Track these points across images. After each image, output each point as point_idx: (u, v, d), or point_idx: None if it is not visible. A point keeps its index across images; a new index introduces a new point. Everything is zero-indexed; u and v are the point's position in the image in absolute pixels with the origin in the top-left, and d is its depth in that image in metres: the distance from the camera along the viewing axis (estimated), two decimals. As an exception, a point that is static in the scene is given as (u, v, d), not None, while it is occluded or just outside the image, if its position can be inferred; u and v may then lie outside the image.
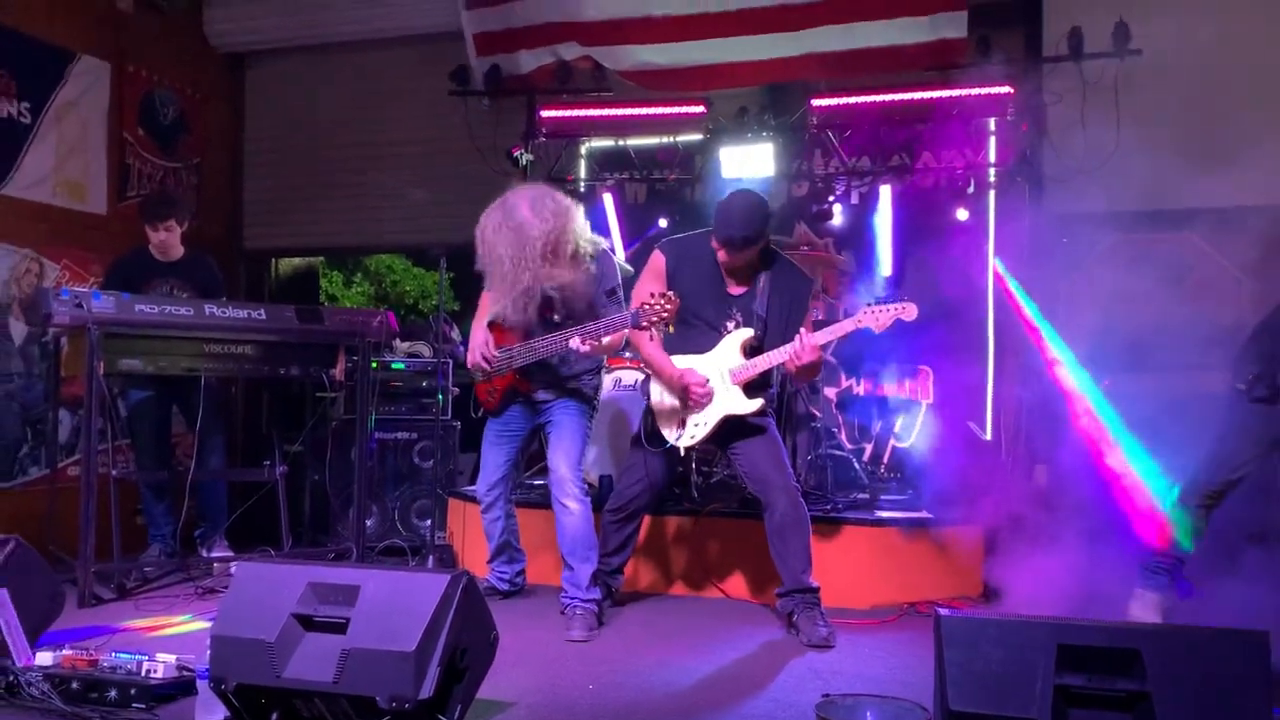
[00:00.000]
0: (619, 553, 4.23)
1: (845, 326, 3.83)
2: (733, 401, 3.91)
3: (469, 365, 4.32)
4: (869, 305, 3.80)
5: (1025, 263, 5.62)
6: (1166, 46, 5.26)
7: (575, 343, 3.87)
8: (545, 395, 4.21)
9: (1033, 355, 5.35)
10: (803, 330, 3.80)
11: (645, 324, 3.76)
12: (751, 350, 3.93)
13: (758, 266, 4.00)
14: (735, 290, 4.00)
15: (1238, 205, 5.03)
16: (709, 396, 3.90)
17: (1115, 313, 4.96)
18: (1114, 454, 4.60)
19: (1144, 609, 3.82)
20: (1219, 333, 4.71)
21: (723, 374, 3.92)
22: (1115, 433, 4.69)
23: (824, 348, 3.98)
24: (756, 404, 3.90)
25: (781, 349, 3.84)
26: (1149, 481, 4.31)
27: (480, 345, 4.21)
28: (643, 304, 3.77)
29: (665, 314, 3.73)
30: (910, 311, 3.76)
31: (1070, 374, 5.03)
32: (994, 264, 5.77)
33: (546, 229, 3.86)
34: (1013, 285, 5.52)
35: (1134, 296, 5.01)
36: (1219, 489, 3.83)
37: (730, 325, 3.98)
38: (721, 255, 3.91)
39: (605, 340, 3.99)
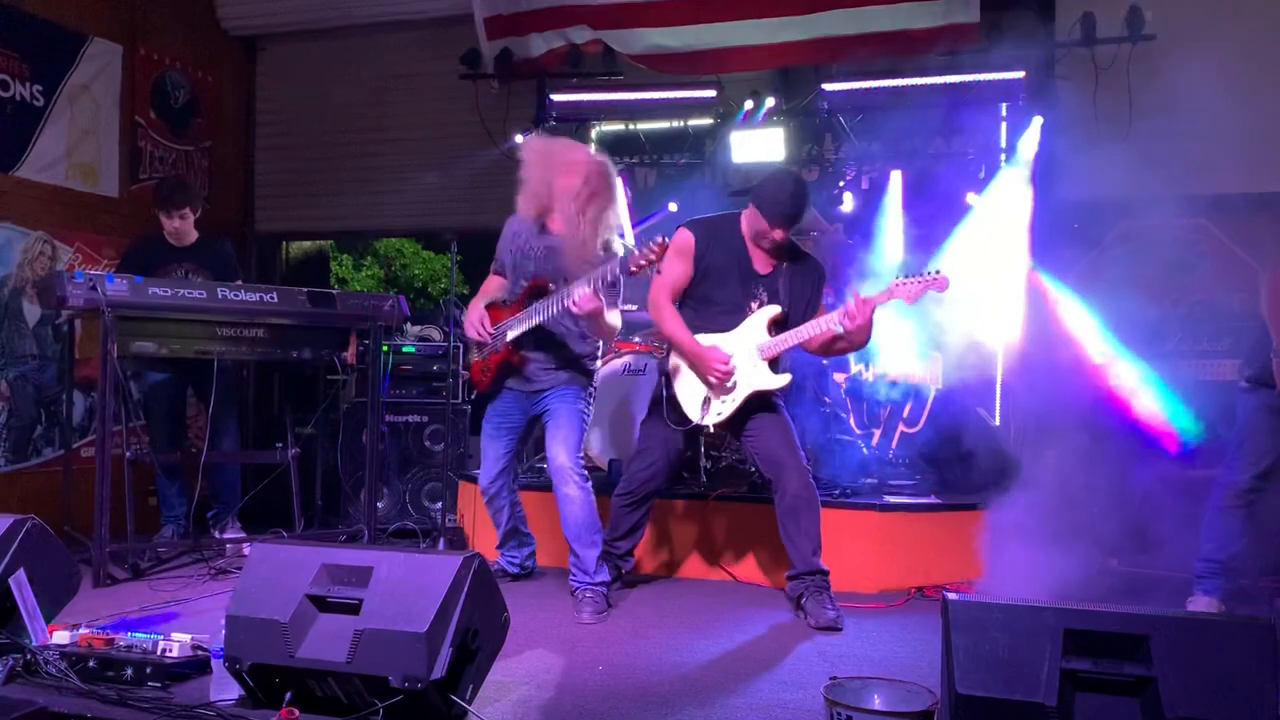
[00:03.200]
0: (629, 536, 4.25)
1: (879, 299, 3.78)
2: (760, 377, 3.92)
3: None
4: (901, 278, 3.78)
5: (1035, 249, 5.60)
6: (1179, 31, 5.23)
7: (578, 294, 3.76)
8: (540, 380, 4.17)
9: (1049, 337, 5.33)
10: (855, 292, 3.81)
11: (634, 268, 3.70)
12: (777, 326, 3.94)
13: (783, 248, 4.02)
14: (762, 270, 4.01)
15: (1251, 191, 5.02)
16: (731, 375, 3.91)
17: (1126, 299, 4.95)
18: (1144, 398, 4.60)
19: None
20: (1231, 320, 4.71)
21: (750, 350, 3.93)
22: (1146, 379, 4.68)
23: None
24: (784, 379, 3.92)
25: (824, 318, 3.85)
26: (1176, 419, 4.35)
27: (475, 321, 4.20)
28: (630, 251, 3.78)
29: (653, 255, 3.69)
30: (942, 283, 3.74)
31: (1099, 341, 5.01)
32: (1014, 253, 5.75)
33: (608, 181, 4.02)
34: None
35: (1145, 282, 5.01)
36: (1250, 485, 3.89)
37: (755, 304, 3.99)
38: (778, 234, 3.88)
39: (608, 318, 3.95)
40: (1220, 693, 2.17)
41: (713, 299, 4.02)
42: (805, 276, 4.03)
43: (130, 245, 5.44)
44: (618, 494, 4.23)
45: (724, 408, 3.95)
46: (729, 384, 3.92)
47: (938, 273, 3.75)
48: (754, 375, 3.93)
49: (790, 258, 4.03)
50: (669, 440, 4.09)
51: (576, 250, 3.95)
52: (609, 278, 3.77)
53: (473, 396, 4.47)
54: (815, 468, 5.07)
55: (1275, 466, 3.88)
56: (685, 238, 4.02)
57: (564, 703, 2.90)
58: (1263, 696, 2.16)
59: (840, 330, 3.82)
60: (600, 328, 4.04)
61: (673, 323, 4.01)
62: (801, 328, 3.89)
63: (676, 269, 4.00)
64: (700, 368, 3.95)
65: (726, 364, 3.89)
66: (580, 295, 3.77)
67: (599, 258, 3.94)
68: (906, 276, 3.77)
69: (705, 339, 3.97)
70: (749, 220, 3.97)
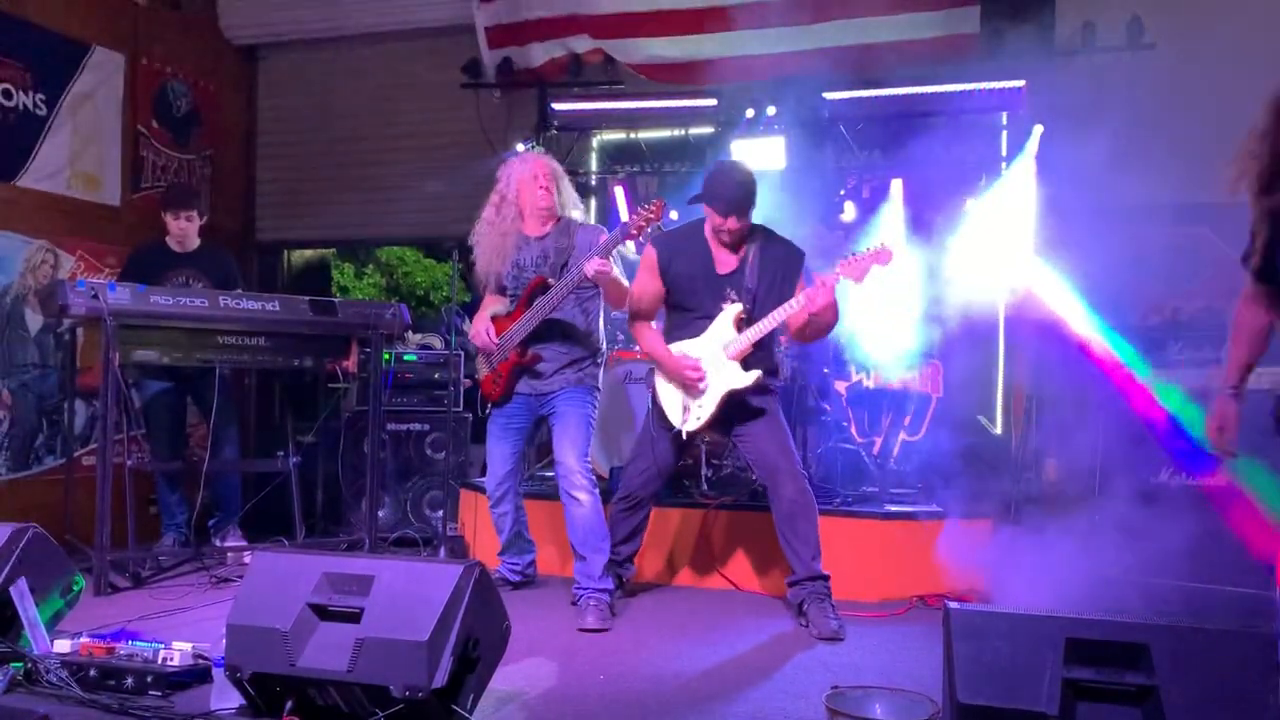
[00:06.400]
0: (629, 541, 4.26)
1: (829, 279, 3.75)
2: (730, 377, 3.92)
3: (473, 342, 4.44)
4: (845, 257, 3.77)
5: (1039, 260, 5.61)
6: (1180, 40, 5.25)
7: (590, 266, 3.90)
8: (549, 381, 4.23)
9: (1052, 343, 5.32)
10: (816, 275, 3.79)
11: (635, 231, 3.88)
12: (743, 324, 3.95)
13: (746, 242, 4.02)
14: (724, 270, 4.03)
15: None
16: (702, 378, 3.94)
17: (1126, 307, 4.95)
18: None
19: None
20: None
21: (716, 351, 3.95)
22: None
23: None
24: (753, 375, 3.90)
25: (782, 308, 3.84)
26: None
27: (482, 330, 4.33)
28: (629, 217, 3.88)
29: (650, 217, 3.84)
30: (885, 255, 3.72)
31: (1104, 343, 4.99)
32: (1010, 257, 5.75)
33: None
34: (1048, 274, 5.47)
35: (1146, 291, 5.00)
36: None
37: (725, 305, 4.01)
38: (732, 223, 3.90)
39: (621, 277, 4.08)
40: (1222, 703, 2.17)
41: (686, 307, 4.08)
42: (773, 263, 3.99)
43: (132, 252, 5.47)
44: (616, 499, 4.27)
45: (700, 411, 3.98)
46: (701, 387, 3.95)
47: (881, 245, 3.74)
48: (724, 376, 3.94)
49: (761, 249, 4.01)
50: (659, 446, 4.13)
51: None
52: (613, 244, 3.96)
53: (486, 410, 4.48)
54: (816, 476, 5.08)
55: None
56: (649, 254, 4.12)
57: (565, 712, 2.90)
58: (1265, 707, 2.16)
59: (803, 313, 3.80)
60: (615, 292, 4.15)
61: (645, 335, 4.13)
62: (761, 322, 3.88)
63: (646, 284, 4.12)
64: (673, 375, 4.02)
65: (695, 369, 3.94)
66: (590, 264, 3.91)
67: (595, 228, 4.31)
68: (852, 254, 3.76)
69: (680, 346, 4.03)
70: (708, 220, 4.02)
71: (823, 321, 3.88)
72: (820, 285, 3.74)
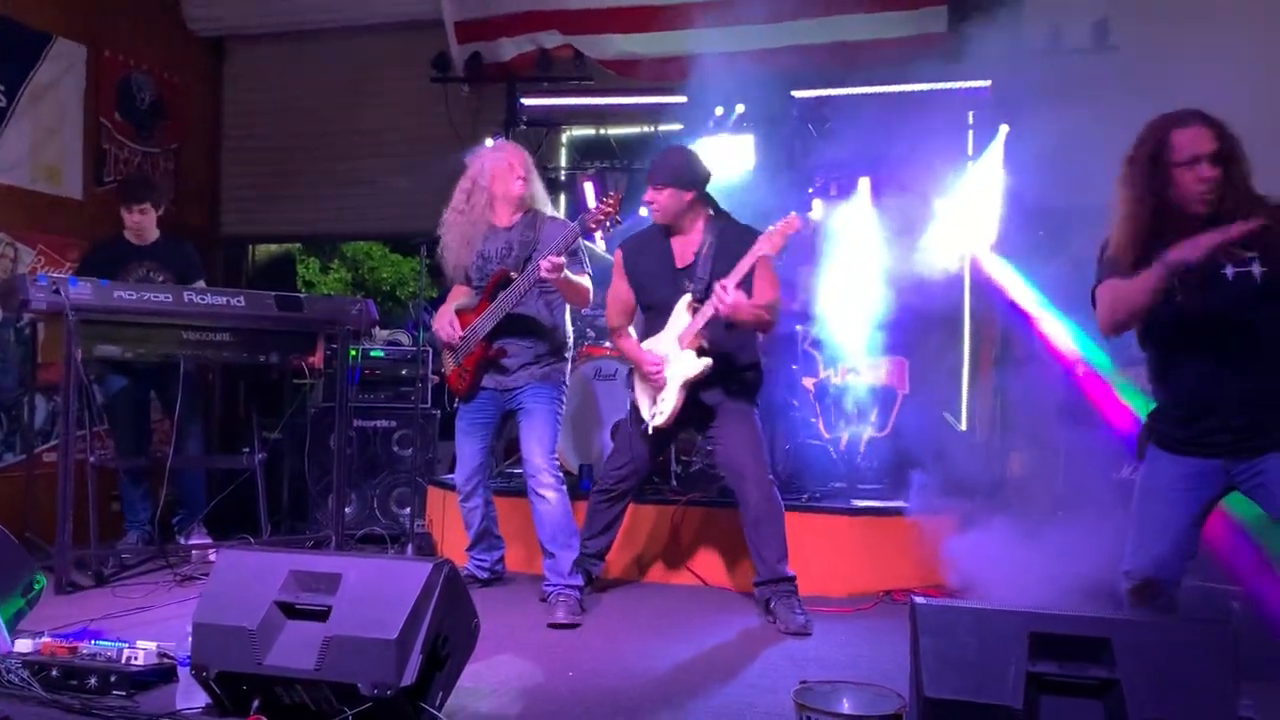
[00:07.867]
0: (603, 535, 4.24)
1: (745, 262, 3.75)
2: (684, 367, 3.92)
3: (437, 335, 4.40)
4: (760, 236, 3.77)
5: (1001, 257, 5.67)
6: (1144, 43, 5.31)
7: (544, 265, 3.87)
8: (515, 375, 4.23)
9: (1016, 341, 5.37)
10: (719, 282, 3.77)
11: (593, 225, 3.90)
12: (695, 312, 3.96)
13: (705, 232, 4.02)
14: (683, 264, 4.04)
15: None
16: (659, 370, 3.94)
17: (1091, 305, 5.00)
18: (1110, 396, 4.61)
19: None
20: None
21: (673, 341, 3.97)
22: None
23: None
24: (703, 363, 3.87)
25: (707, 304, 3.84)
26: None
27: (445, 323, 4.30)
28: (586, 212, 3.92)
29: (608, 210, 3.85)
30: (793, 223, 3.71)
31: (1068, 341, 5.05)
32: (973, 253, 5.81)
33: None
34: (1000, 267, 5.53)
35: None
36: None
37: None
38: (648, 194, 3.97)
39: (576, 280, 4.08)
40: (1182, 695, 2.21)
41: (652, 304, 4.11)
42: (724, 249, 3.95)
43: (90, 246, 5.41)
44: (595, 490, 4.27)
45: (664, 405, 3.97)
46: (660, 380, 3.96)
47: (792, 215, 3.74)
48: (679, 365, 3.94)
49: (717, 237, 3.99)
50: (635, 442, 4.14)
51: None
52: (570, 240, 3.97)
53: (455, 405, 4.47)
54: (784, 472, 5.11)
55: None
56: (617, 257, 4.18)
57: (535, 709, 2.90)
58: (1223, 698, 2.20)
59: (725, 314, 3.78)
60: (574, 292, 4.16)
61: (618, 335, 4.20)
62: (705, 307, 3.85)
63: (619, 289, 4.17)
64: (639, 370, 4.07)
65: (654, 362, 3.96)
66: (545, 263, 3.89)
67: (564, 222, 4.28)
68: (768, 230, 3.75)
69: (648, 344, 4.06)
70: None
71: (741, 321, 3.84)
72: (721, 288, 3.70)
